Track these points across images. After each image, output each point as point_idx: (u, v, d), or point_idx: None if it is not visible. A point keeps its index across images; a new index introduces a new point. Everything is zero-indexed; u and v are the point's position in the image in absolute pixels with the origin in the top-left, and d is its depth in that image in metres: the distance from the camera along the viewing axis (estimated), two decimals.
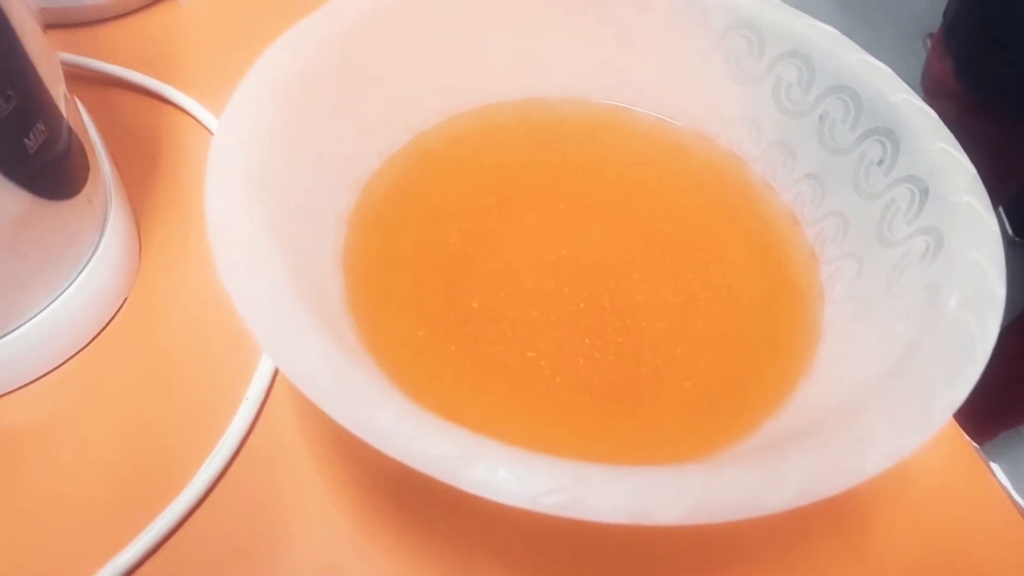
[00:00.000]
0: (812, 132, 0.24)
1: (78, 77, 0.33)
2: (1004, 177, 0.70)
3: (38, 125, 0.21)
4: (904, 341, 0.17)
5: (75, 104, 0.25)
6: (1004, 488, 0.23)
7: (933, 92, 0.69)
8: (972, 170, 0.20)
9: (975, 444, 0.24)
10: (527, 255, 0.24)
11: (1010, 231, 1.20)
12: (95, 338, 0.26)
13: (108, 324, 0.26)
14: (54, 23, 0.36)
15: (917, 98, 0.22)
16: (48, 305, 0.24)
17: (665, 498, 0.14)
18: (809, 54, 0.24)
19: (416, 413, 0.15)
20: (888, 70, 0.23)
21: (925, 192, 0.20)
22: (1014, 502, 0.23)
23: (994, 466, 0.26)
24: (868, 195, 0.22)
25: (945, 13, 0.68)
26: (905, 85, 0.22)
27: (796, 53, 0.24)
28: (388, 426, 0.15)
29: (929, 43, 0.68)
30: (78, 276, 0.25)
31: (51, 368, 0.25)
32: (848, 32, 0.24)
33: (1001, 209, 1.20)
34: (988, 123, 0.63)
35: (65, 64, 0.33)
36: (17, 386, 0.24)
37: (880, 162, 0.22)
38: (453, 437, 0.15)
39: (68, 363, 0.25)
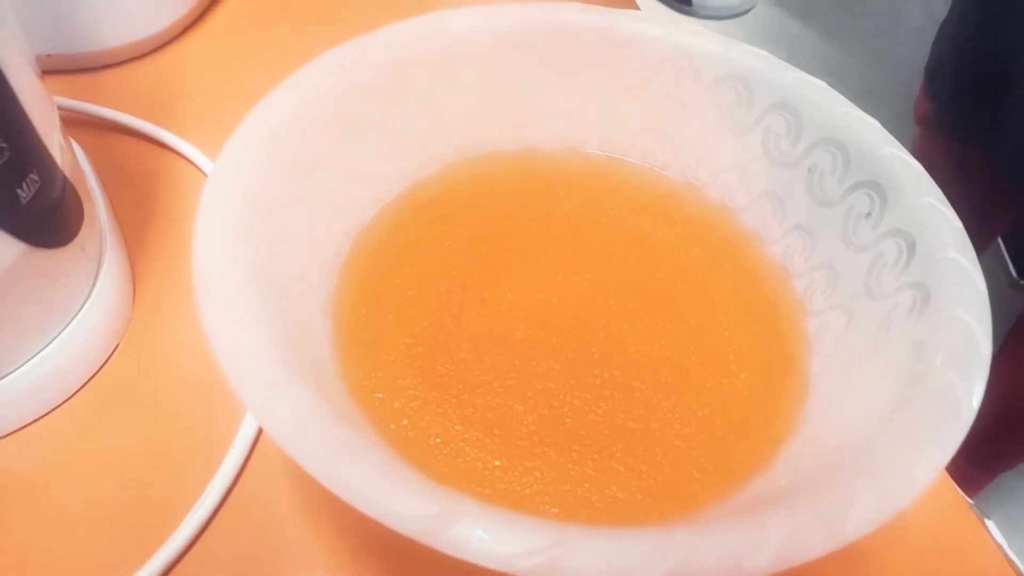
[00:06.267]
0: (801, 184, 0.24)
1: (78, 122, 0.34)
2: (995, 218, 0.70)
3: (31, 175, 0.21)
4: (889, 399, 0.17)
5: (72, 150, 0.25)
6: (1000, 547, 0.23)
7: (924, 124, 0.69)
8: (959, 225, 0.20)
9: (968, 499, 0.24)
10: (517, 304, 0.24)
11: (1014, 273, 1.19)
12: (84, 385, 0.26)
13: (98, 371, 0.26)
14: (57, 69, 0.36)
15: (905, 152, 0.22)
16: (38, 352, 0.24)
17: (645, 561, 0.14)
18: (798, 106, 0.24)
19: (394, 470, 0.15)
20: (876, 123, 0.23)
21: (912, 246, 0.20)
22: (1010, 562, 0.22)
23: (989, 523, 0.25)
24: (856, 248, 0.22)
25: (928, 65, 0.68)
26: (893, 139, 0.22)
27: (785, 105, 0.24)
28: (364, 484, 0.15)
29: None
30: (70, 323, 0.25)
31: (39, 415, 0.25)
32: (846, 69, 0.24)
33: (1005, 251, 1.19)
34: (975, 167, 0.63)
35: (65, 109, 0.33)
36: (3, 433, 0.24)
37: (868, 215, 0.22)
38: (431, 496, 0.15)
39: (56, 411, 0.25)
